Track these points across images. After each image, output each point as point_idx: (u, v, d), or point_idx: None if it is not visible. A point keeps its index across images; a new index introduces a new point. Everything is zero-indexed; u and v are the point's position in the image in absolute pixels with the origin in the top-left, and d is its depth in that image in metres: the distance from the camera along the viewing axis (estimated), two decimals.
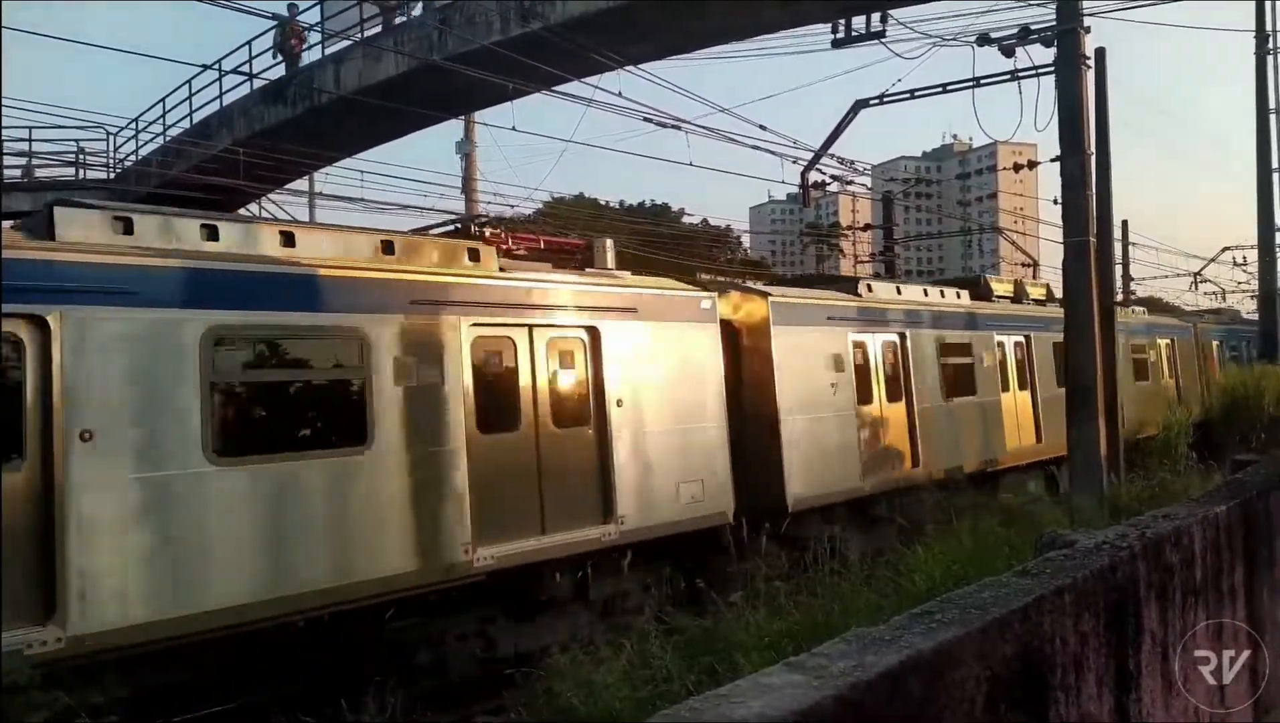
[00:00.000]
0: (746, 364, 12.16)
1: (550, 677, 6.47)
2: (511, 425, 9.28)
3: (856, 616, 6.11)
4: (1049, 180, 15.11)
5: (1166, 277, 44.60)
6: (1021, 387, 17.72)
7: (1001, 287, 19.58)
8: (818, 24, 17.67)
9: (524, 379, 9.43)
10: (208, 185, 22.53)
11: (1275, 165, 27.01)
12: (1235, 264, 41.02)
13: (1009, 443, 16.94)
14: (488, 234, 10.49)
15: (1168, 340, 24.39)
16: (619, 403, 10.08)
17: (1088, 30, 13.95)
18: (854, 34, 16.63)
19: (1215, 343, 28.38)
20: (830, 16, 16.90)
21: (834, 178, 21.57)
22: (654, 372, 10.56)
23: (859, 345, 13.79)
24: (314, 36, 23.33)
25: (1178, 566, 4.65)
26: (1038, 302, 20.08)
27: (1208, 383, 25.69)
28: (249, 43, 23.62)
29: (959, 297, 17.08)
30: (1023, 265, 30.89)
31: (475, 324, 9.03)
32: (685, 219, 64.15)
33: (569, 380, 9.97)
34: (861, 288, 14.85)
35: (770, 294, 12.59)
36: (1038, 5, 14.93)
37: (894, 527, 12.44)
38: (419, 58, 19.77)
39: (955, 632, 2.83)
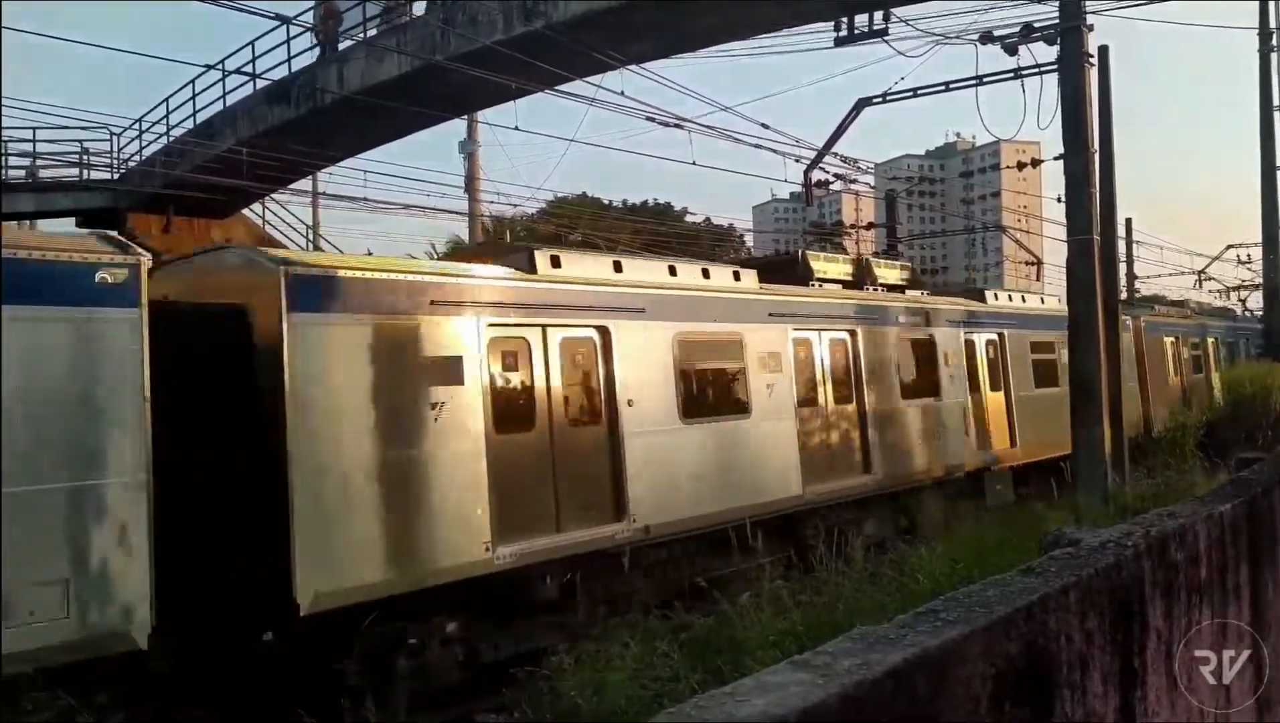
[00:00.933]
0: (262, 376, 7.96)
1: (554, 675, 6.47)
2: None
3: (861, 615, 6.11)
4: (1053, 178, 15.06)
5: (1171, 275, 44.63)
6: (840, 400, 13.34)
7: (835, 268, 14.97)
8: (820, 22, 17.71)
9: None
10: (211, 185, 22.64)
11: (1279, 163, 26.93)
12: (1240, 262, 41.06)
13: (813, 479, 12.27)
14: None
15: None
16: None
17: (1091, 28, 13.99)
18: (856, 32, 16.63)
19: (1169, 340, 24.15)
20: (832, 15, 16.90)
21: (837, 176, 21.57)
22: None
23: (509, 344, 9.53)
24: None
25: (1183, 564, 4.65)
26: (891, 288, 15.54)
27: (1151, 391, 21.67)
28: (252, 43, 23.78)
29: (738, 279, 12.38)
30: (1027, 264, 30.90)
31: None
32: (688, 218, 64.11)
33: None
34: (541, 262, 10.07)
35: (290, 264, 8.06)
36: (1040, 3, 14.94)
37: (568, 617, 9.41)
38: (422, 57, 19.83)
39: (960, 630, 2.83)
